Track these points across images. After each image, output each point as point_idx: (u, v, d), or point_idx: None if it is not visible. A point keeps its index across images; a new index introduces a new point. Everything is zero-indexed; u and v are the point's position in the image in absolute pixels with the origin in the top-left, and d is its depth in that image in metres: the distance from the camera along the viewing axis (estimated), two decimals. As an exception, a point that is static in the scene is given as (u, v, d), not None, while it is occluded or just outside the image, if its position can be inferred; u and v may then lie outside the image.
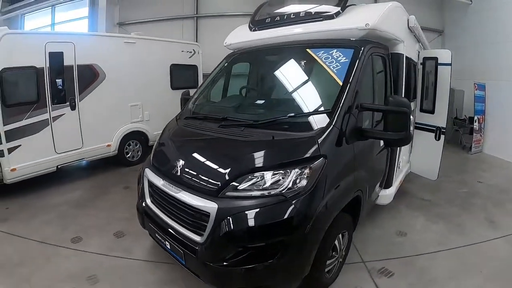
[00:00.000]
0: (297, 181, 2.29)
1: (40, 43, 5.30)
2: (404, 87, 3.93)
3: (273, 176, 2.31)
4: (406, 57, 4.09)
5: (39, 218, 4.48)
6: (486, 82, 8.46)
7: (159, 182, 2.82)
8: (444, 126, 4.85)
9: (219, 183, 2.39)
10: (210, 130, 3.00)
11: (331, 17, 3.39)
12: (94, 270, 3.18)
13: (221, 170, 2.49)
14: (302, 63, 3.38)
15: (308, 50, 3.28)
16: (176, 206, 2.61)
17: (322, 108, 2.79)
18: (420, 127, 5.18)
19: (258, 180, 2.32)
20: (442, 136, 4.85)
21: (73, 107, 5.88)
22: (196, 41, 9.33)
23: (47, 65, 5.40)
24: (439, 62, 4.89)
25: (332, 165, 2.48)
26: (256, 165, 2.41)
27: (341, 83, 2.78)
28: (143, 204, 3.03)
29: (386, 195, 4.07)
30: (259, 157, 2.46)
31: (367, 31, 3.11)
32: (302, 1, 3.94)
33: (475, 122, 8.27)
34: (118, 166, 7.02)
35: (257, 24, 3.99)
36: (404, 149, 4.51)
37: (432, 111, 4.98)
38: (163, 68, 7.46)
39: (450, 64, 4.81)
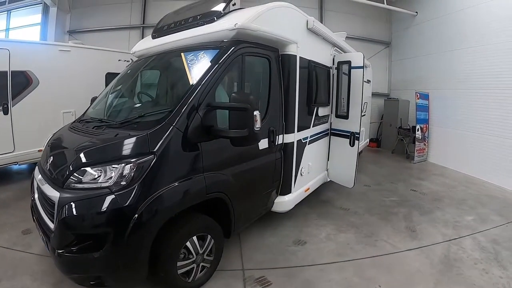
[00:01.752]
0: (123, 175, 2.31)
1: (-25, 49, 5.21)
2: (299, 90, 3.83)
3: (104, 171, 2.35)
4: (306, 60, 4.02)
5: (-35, 214, 4.50)
6: (429, 91, 8.59)
7: (38, 177, 2.91)
8: (358, 131, 4.68)
9: (63, 175, 2.48)
10: (85, 131, 3.02)
11: (212, 20, 3.32)
12: (-5, 260, 3.36)
13: (67, 164, 2.57)
14: (174, 67, 3.45)
15: (182, 54, 3.25)
16: (43, 197, 2.70)
17: (165, 109, 2.78)
18: (336, 133, 5.05)
19: (95, 174, 2.37)
20: (357, 142, 4.69)
21: (5, 112, 5.80)
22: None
23: (-18, 70, 5.24)
24: (352, 65, 4.73)
25: (165, 162, 2.43)
26: (91, 160, 2.46)
27: (190, 84, 2.77)
28: (32, 199, 3.07)
29: (283, 202, 3.87)
30: (96, 153, 2.51)
31: (236, 31, 3.01)
32: (197, 7, 3.86)
33: (417, 131, 8.31)
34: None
35: (157, 31, 3.98)
36: (309, 154, 4.31)
37: (346, 117, 4.84)
38: (98, 76, 7.27)
39: (362, 67, 4.65)
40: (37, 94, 6.28)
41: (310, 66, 4.19)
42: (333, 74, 5.09)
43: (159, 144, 2.41)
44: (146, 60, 3.93)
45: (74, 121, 3.66)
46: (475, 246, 3.85)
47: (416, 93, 8.24)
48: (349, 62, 4.81)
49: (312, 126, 4.42)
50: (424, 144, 8.47)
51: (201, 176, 2.67)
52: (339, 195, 5.61)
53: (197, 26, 3.44)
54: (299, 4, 8.17)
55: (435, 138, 8.48)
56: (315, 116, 4.50)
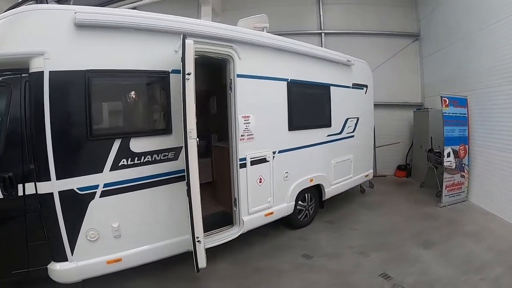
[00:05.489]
0: None
1: None
2: (53, 117, 2.38)
3: None
4: (74, 72, 2.46)
5: None
6: (470, 93, 5.20)
7: None
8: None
9: None
10: None
11: None
12: None
13: None
14: None
15: None
16: None
17: None
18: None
19: None
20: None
21: None
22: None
23: None
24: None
25: None
26: None
27: None
28: None
29: (55, 270, 2.52)
30: None
31: None
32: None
33: (447, 156, 4.99)
34: None
35: None
36: (110, 211, 2.68)
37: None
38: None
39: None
40: None
41: (88, 79, 2.53)
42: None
43: None
44: None
45: None
46: None
47: (442, 97, 5.01)
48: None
49: (112, 170, 2.67)
50: (462, 176, 5.06)
51: None
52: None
53: None
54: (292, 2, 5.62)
55: (479, 166, 4.96)
56: (121, 153, 2.68)
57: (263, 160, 3.65)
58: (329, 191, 4.67)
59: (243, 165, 3.47)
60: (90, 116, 2.55)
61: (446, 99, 4.97)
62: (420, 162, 6.35)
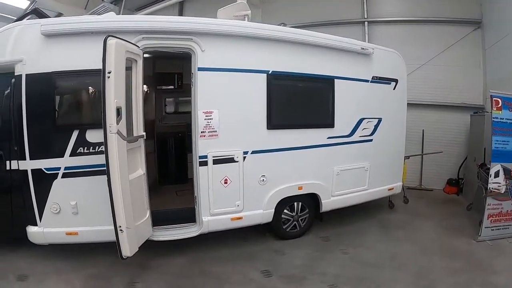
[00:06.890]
0: None
1: None
2: (30, 110, 3.01)
3: None
4: (47, 74, 2.98)
5: None
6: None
7: None
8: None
9: None
10: None
11: None
12: None
13: None
14: None
15: None
16: None
17: None
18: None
19: None
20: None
21: None
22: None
23: None
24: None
25: None
26: None
27: None
28: None
29: (29, 232, 3.14)
30: None
31: None
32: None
33: (495, 175, 3.78)
34: None
35: None
36: (66, 191, 3.11)
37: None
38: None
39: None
40: None
41: (53, 79, 3.04)
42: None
43: None
44: None
45: None
46: None
47: (492, 97, 3.84)
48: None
49: (71, 156, 3.10)
50: (514, 204, 3.81)
51: None
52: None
53: None
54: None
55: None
56: (79, 142, 3.09)
57: (230, 160, 3.39)
58: (329, 203, 4.06)
59: (204, 163, 3.29)
60: (54, 110, 3.07)
61: (499, 100, 3.82)
62: (474, 178, 5.07)
